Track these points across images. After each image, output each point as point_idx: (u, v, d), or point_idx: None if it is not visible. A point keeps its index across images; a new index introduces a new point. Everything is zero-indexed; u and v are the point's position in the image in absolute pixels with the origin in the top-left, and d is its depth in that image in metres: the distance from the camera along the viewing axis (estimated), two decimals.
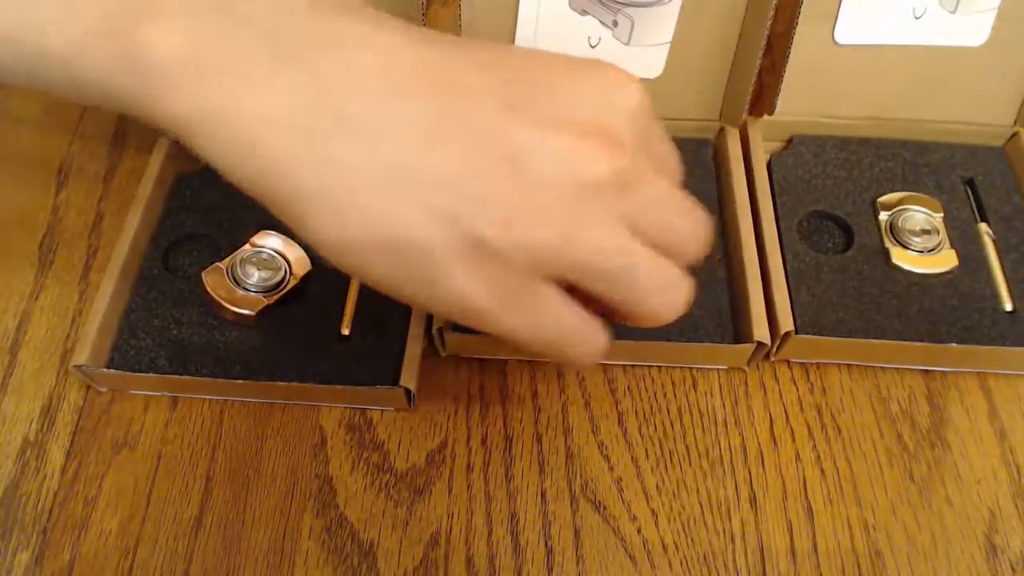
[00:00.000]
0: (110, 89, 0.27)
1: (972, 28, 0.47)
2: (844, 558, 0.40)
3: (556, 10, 0.46)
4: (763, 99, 0.52)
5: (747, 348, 0.43)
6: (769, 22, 0.44)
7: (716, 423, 0.44)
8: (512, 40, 0.48)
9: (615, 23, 0.47)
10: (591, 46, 0.48)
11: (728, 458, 0.43)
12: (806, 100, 0.51)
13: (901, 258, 0.47)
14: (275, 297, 0.45)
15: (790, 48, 0.47)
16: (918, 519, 0.41)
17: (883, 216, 0.49)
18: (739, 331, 0.45)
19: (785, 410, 0.45)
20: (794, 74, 0.48)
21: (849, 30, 0.47)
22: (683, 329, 0.45)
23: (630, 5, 0.46)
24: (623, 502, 0.42)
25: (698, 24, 0.47)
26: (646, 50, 0.48)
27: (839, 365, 0.46)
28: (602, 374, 0.46)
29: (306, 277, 0.46)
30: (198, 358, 0.44)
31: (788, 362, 0.46)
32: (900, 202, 0.49)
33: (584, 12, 0.46)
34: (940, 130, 0.52)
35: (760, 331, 0.42)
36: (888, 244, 0.48)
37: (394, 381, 0.42)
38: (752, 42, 0.46)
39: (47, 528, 0.41)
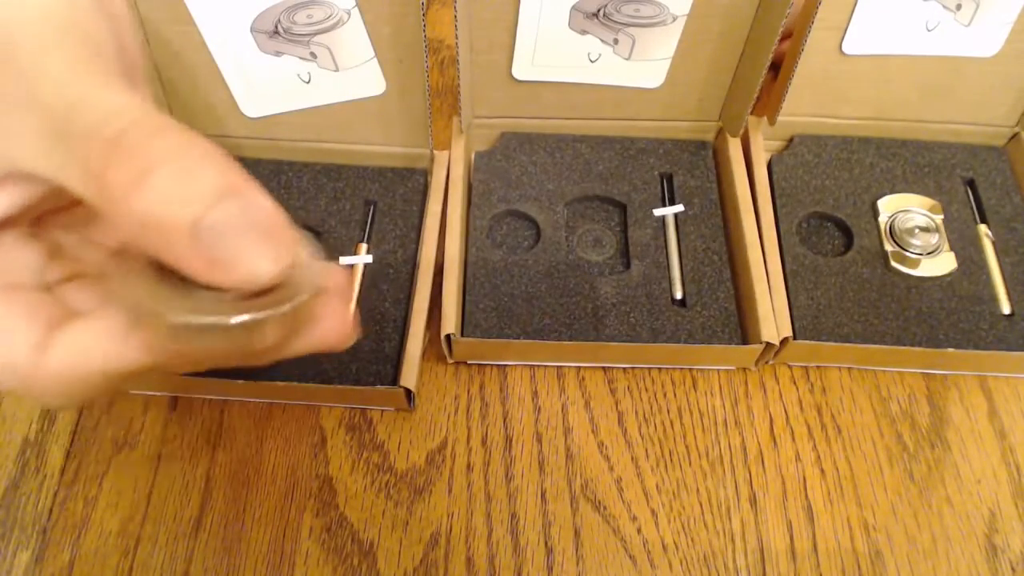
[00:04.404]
0: None
1: (985, 40, 0.47)
2: (844, 558, 0.40)
3: (555, 29, 0.46)
4: (764, 99, 0.52)
5: (755, 349, 0.43)
6: (775, 44, 0.44)
7: (716, 423, 0.44)
8: (511, 60, 0.47)
9: (616, 41, 0.46)
10: (591, 61, 0.48)
11: (728, 458, 0.43)
12: (809, 105, 0.51)
13: (900, 261, 0.47)
14: None
15: (797, 59, 0.46)
16: (918, 519, 0.41)
17: (883, 218, 0.49)
18: (745, 332, 0.45)
19: (785, 410, 0.45)
20: (799, 83, 0.48)
21: (858, 42, 0.47)
22: (691, 331, 0.45)
23: (631, 25, 0.45)
24: (623, 502, 0.42)
25: (701, 40, 0.47)
26: (647, 64, 0.48)
27: (839, 366, 0.46)
28: (602, 374, 0.46)
29: None
30: None
31: (788, 362, 0.46)
32: (900, 203, 0.49)
33: (584, 32, 0.46)
34: (941, 130, 0.52)
35: (768, 331, 0.42)
36: (887, 246, 0.48)
37: (394, 381, 0.42)
38: (756, 60, 0.46)
39: (47, 528, 0.41)
